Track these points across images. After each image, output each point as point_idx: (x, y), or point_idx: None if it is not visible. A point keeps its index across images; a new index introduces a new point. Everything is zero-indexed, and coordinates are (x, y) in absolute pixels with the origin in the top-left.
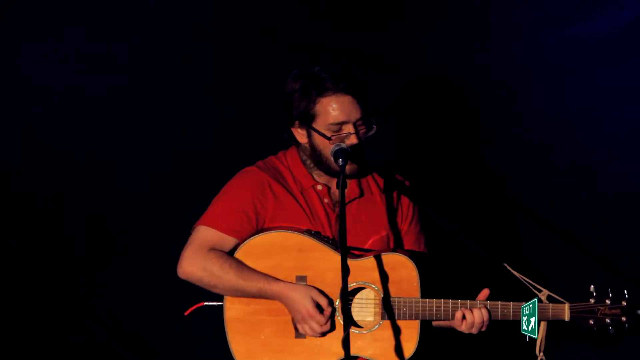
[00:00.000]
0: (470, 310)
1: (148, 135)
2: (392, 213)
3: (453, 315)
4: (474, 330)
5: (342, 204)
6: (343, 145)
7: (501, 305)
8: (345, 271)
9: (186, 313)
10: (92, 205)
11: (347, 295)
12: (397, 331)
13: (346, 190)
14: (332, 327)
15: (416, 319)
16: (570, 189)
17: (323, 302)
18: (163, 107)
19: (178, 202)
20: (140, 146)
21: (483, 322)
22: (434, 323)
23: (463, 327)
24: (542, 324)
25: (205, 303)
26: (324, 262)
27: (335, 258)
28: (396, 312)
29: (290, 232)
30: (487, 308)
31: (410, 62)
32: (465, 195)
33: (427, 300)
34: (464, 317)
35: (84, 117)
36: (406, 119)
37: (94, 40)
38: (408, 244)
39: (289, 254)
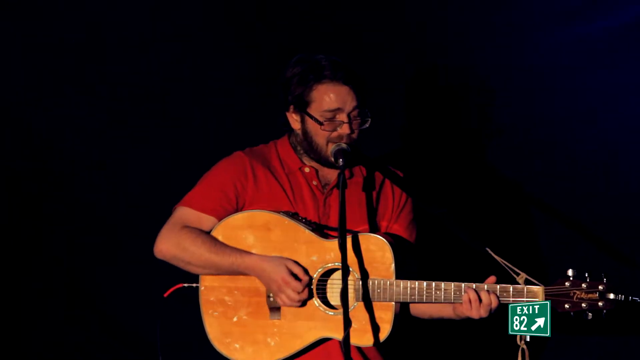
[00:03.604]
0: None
1: (148, 134)
2: (383, 202)
3: (428, 298)
4: (483, 313)
5: (342, 204)
6: (343, 145)
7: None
8: (346, 271)
9: (165, 295)
10: (92, 205)
11: (347, 297)
12: (371, 313)
13: (335, 174)
14: (306, 305)
15: (391, 300)
16: (570, 189)
17: (298, 270)
18: (163, 106)
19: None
20: (140, 146)
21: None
22: (433, 313)
23: (473, 312)
24: None
25: (184, 285)
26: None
27: (307, 236)
28: (371, 293)
29: (261, 212)
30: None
31: (411, 62)
32: (465, 192)
33: (401, 281)
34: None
35: (84, 117)
36: (407, 117)
37: (92, 37)
38: (397, 232)
39: (259, 233)
